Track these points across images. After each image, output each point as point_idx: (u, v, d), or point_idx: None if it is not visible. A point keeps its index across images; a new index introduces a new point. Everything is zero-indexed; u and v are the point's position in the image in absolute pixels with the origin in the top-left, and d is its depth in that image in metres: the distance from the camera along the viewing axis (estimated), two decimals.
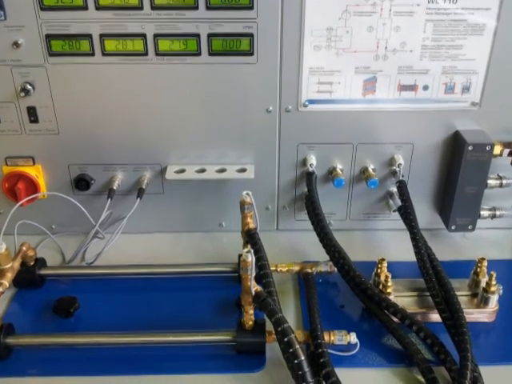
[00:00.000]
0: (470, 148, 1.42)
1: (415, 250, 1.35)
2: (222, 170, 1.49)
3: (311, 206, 1.45)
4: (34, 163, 1.50)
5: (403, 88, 1.44)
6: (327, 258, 1.37)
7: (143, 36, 1.35)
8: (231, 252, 1.47)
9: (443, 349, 1.17)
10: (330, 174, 1.52)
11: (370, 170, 1.51)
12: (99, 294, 1.41)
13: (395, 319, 1.25)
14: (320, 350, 1.14)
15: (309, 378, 1.02)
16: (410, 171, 1.53)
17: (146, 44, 1.36)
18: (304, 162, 1.52)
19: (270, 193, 1.57)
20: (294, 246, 1.56)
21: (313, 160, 1.50)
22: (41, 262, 1.43)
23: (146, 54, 1.37)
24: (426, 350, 1.21)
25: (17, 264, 1.34)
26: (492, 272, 1.28)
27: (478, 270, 1.32)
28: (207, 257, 1.51)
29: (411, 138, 1.49)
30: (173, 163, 1.51)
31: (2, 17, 1.32)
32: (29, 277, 1.40)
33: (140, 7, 1.32)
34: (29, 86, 1.40)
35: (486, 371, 1.14)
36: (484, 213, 1.53)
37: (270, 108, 1.44)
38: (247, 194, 1.26)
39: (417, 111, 1.46)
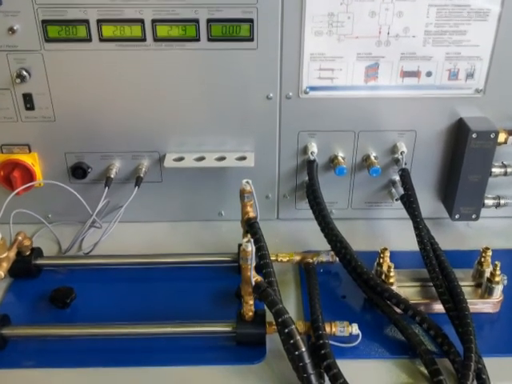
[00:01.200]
0: (474, 135, 1.41)
1: (418, 239, 1.34)
2: (222, 158, 1.48)
3: (312, 195, 1.44)
4: (29, 151, 1.49)
5: (406, 74, 1.43)
6: (328, 247, 1.36)
7: (141, 21, 1.34)
8: (231, 241, 1.45)
9: (447, 340, 1.16)
10: (332, 162, 1.51)
11: (372, 157, 1.50)
12: (96, 285, 1.40)
13: (398, 310, 1.24)
14: (321, 342, 1.13)
15: (310, 369, 1.02)
16: (413, 159, 1.52)
17: (143, 30, 1.35)
18: (305, 150, 1.50)
19: (271, 181, 1.56)
20: (294, 236, 1.55)
21: (314, 148, 1.49)
22: (37, 252, 1.42)
23: (144, 39, 1.36)
24: (429, 341, 1.20)
25: (12, 253, 1.33)
26: (496, 262, 1.27)
27: (482, 259, 1.31)
28: (206, 246, 1.50)
29: (414, 125, 1.47)
30: (171, 151, 1.50)
31: None
32: (25, 267, 1.39)
33: None
34: (25, 73, 1.38)
35: (491, 363, 1.13)
36: (488, 201, 1.52)
37: (271, 95, 1.43)
38: (247, 182, 1.25)
39: (420, 98, 1.44)
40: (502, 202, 1.52)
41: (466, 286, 1.29)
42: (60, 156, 1.50)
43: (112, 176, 1.50)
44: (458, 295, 1.20)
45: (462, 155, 1.44)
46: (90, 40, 1.35)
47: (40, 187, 1.52)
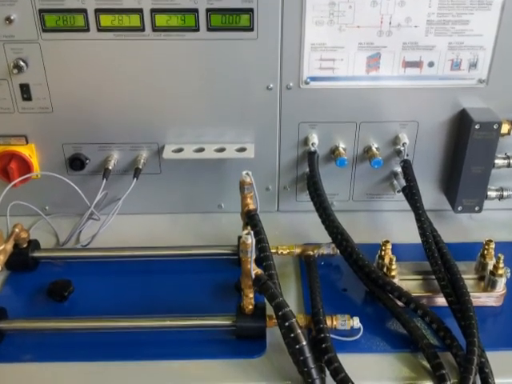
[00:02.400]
0: (476, 126, 1.40)
1: (420, 231, 1.34)
2: (221, 150, 1.47)
3: (313, 187, 1.43)
4: (27, 142, 1.48)
5: (408, 65, 1.42)
6: (329, 239, 1.35)
7: (140, 11, 1.33)
8: (230, 234, 1.45)
9: (449, 334, 1.15)
10: (333, 154, 1.50)
11: (374, 149, 1.49)
12: (94, 277, 1.39)
13: (400, 303, 1.23)
14: (322, 335, 1.13)
15: (310, 363, 1.02)
16: (415, 150, 1.51)
17: (142, 19, 1.34)
18: (306, 141, 1.49)
19: (271, 173, 1.55)
20: (295, 228, 1.54)
21: (315, 139, 1.48)
22: (34, 244, 1.41)
23: (142, 29, 1.35)
24: (432, 334, 1.19)
25: (9, 246, 1.33)
26: (499, 254, 1.26)
27: (485, 252, 1.30)
28: (206, 239, 1.50)
29: (416, 116, 1.47)
30: (170, 142, 1.49)
31: None
32: (22, 259, 1.38)
33: None
34: (22, 63, 1.37)
35: (494, 356, 1.12)
36: (491, 193, 1.52)
37: (271, 85, 1.42)
38: (247, 173, 1.25)
39: (422, 88, 1.44)
40: (506, 193, 1.52)
41: (468, 278, 1.28)
42: (57, 147, 1.49)
43: (110, 167, 1.49)
44: (461, 288, 1.19)
45: (464, 146, 1.43)
46: (87, 30, 1.34)
47: (37, 179, 1.51)
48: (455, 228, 1.54)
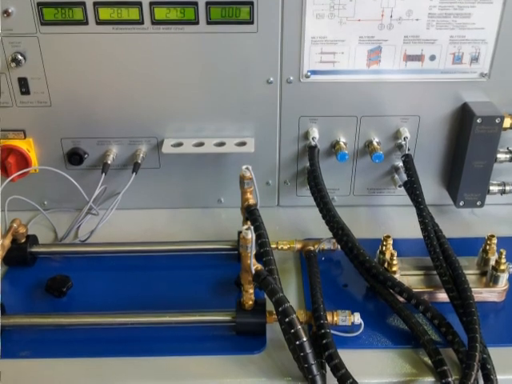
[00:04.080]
0: (478, 121, 1.40)
1: (422, 226, 1.33)
2: (221, 144, 1.47)
3: (313, 181, 1.43)
4: (25, 136, 1.47)
5: (409, 58, 1.41)
6: (330, 234, 1.35)
7: (139, 4, 1.32)
8: (230, 229, 1.45)
9: (451, 329, 1.15)
10: (333, 148, 1.50)
11: (375, 143, 1.49)
12: (93, 273, 1.39)
13: (401, 299, 1.22)
14: (322, 331, 1.12)
15: (311, 359, 1.02)
16: (417, 145, 1.50)
17: (141, 12, 1.33)
18: (306, 136, 1.49)
19: (271, 167, 1.55)
20: (295, 223, 1.54)
21: (315, 133, 1.47)
22: (32, 239, 1.40)
23: (141, 22, 1.34)
24: (433, 330, 1.19)
25: (7, 241, 1.33)
26: (502, 250, 1.25)
27: (487, 247, 1.30)
28: (205, 234, 1.50)
29: (418, 110, 1.46)
30: (170, 136, 1.48)
31: None
32: (20, 254, 1.38)
33: None
34: (20, 57, 1.37)
35: (496, 352, 1.12)
36: (493, 188, 1.51)
37: (271, 79, 1.41)
38: (247, 168, 1.24)
39: (423, 82, 1.43)
40: (508, 188, 1.51)
41: (470, 274, 1.28)
42: (56, 141, 1.48)
43: (109, 162, 1.48)
44: (463, 284, 1.19)
45: (466, 141, 1.43)
46: (86, 23, 1.34)
47: (35, 173, 1.50)
48: (457, 223, 1.54)
